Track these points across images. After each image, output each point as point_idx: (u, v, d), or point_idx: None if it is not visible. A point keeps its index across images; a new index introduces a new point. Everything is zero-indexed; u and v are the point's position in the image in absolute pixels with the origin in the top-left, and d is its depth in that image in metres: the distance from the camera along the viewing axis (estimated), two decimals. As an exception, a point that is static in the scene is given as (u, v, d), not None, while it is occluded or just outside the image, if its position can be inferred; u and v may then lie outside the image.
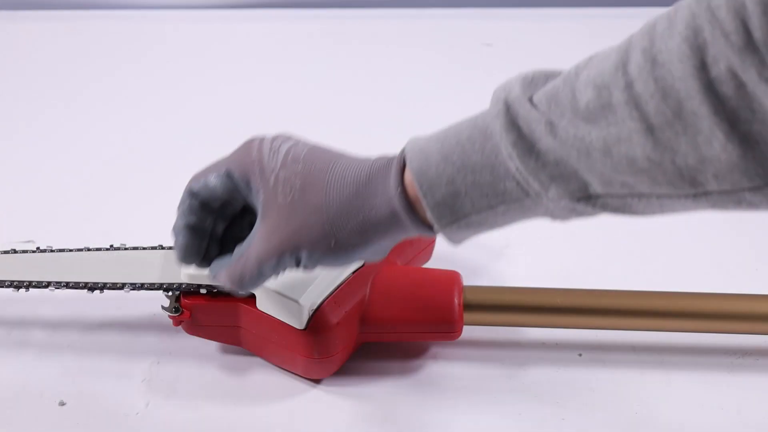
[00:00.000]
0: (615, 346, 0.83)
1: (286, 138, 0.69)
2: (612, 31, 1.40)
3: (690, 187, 0.53)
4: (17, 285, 0.79)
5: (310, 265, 0.66)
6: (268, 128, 1.17)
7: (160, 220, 0.97)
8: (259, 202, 0.67)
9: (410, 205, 0.62)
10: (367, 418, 0.76)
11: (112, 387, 0.79)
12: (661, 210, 0.57)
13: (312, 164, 0.65)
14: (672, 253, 0.95)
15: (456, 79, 1.31)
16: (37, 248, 0.83)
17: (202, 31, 1.46)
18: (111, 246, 0.83)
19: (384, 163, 0.64)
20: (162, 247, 0.82)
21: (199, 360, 0.81)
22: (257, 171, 0.67)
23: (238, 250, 0.68)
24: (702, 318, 0.79)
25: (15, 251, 0.83)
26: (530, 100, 0.58)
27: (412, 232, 0.64)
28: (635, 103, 0.52)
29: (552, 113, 0.56)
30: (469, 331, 0.80)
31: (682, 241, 0.97)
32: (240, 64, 1.37)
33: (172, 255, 0.81)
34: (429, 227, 0.63)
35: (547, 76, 0.59)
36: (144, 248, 0.82)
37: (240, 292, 0.74)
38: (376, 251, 0.66)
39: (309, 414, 0.77)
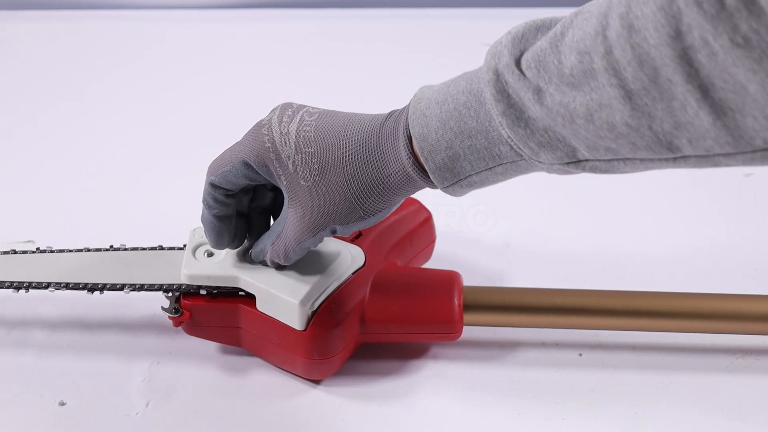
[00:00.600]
0: (615, 347, 0.83)
1: (290, 115, 0.71)
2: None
3: (668, 152, 0.55)
4: (17, 286, 0.79)
5: (346, 232, 0.71)
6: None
7: (160, 221, 0.97)
8: (283, 185, 0.71)
9: (421, 167, 0.67)
10: (368, 419, 0.76)
11: (112, 387, 0.79)
12: (647, 170, 0.59)
13: (324, 141, 0.69)
14: (672, 253, 0.95)
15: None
16: (37, 249, 0.83)
17: (202, 32, 1.46)
18: (111, 246, 0.83)
19: (391, 128, 0.68)
20: (162, 248, 0.82)
21: (199, 360, 0.81)
22: (273, 158, 0.70)
23: (275, 229, 0.74)
24: (702, 318, 0.79)
25: (15, 252, 0.83)
26: (518, 64, 0.59)
27: (426, 187, 0.69)
28: (614, 70, 0.53)
29: (540, 79, 0.58)
30: (468, 332, 0.80)
31: (681, 242, 0.97)
32: (240, 64, 1.37)
33: (174, 255, 0.81)
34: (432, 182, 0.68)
35: (538, 29, 0.61)
36: (144, 249, 0.82)
37: (281, 266, 0.76)
38: (396, 206, 0.71)
39: (309, 414, 0.77)
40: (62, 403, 0.77)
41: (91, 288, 0.79)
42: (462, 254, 0.93)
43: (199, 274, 0.77)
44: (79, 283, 0.79)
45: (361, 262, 0.79)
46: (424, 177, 0.67)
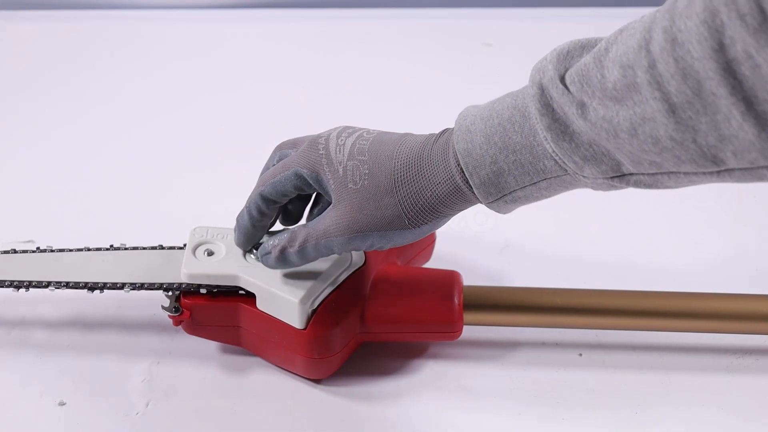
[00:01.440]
0: (615, 346, 0.83)
1: (350, 132, 0.73)
2: (611, 31, 1.41)
3: (712, 165, 0.55)
4: (17, 285, 0.79)
5: (382, 246, 0.71)
6: (269, 128, 1.17)
7: (160, 220, 0.97)
8: (331, 190, 0.71)
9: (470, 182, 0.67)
10: (367, 418, 0.76)
11: (112, 387, 0.79)
12: (691, 184, 0.59)
13: (377, 152, 0.70)
14: (672, 253, 0.95)
15: (456, 79, 1.31)
16: (37, 248, 0.83)
17: (203, 32, 1.46)
18: (111, 246, 0.83)
19: (443, 142, 0.69)
20: (162, 247, 0.82)
21: (199, 360, 0.81)
22: (325, 164, 0.71)
23: (298, 224, 0.75)
24: (701, 318, 0.79)
25: (15, 251, 0.83)
26: (563, 80, 0.60)
27: (475, 203, 0.69)
28: (658, 84, 0.54)
29: (583, 93, 0.58)
30: (468, 331, 0.80)
31: (681, 241, 0.97)
32: (240, 64, 1.37)
33: (174, 254, 0.81)
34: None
35: (583, 47, 0.61)
36: (144, 248, 0.82)
37: (288, 262, 0.74)
38: (442, 222, 0.71)
39: (309, 414, 0.77)
40: (62, 403, 0.77)
41: (91, 287, 0.79)
42: (462, 254, 0.93)
43: (199, 273, 0.77)
44: (79, 282, 0.79)
45: (362, 262, 0.79)
46: (472, 189, 0.67)
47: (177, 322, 0.78)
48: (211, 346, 0.82)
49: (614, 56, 0.57)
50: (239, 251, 0.78)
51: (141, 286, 0.78)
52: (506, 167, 0.64)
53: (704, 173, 0.57)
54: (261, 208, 0.75)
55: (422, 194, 0.68)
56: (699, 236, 0.97)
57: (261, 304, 0.76)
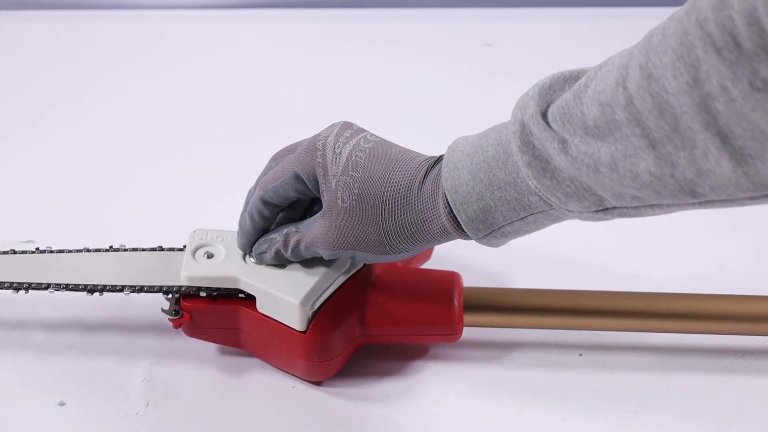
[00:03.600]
0: (615, 347, 0.83)
1: (348, 137, 0.73)
2: (614, 31, 1.41)
3: (692, 198, 0.56)
4: (16, 287, 0.79)
5: (364, 261, 0.73)
6: (269, 128, 1.17)
7: (159, 221, 0.97)
8: (324, 198, 0.72)
9: (457, 220, 0.68)
10: (368, 420, 0.76)
11: (112, 387, 0.79)
12: (674, 212, 0.60)
13: (370, 170, 0.70)
14: (672, 254, 0.95)
15: (456, 79, 1.31)
16: (37, 249, 0.83)
17: (204, 32, 1.46)
18: (111, 247, 0.83)
19: (434, 177, 0.69)
20: (162, 249, 0.82)
21: (199, 361, 0.81)
22: (321, 173, 0.72)
23: (296, 224, 0.75)
24: (702, 319, 0.79)
25: (14, 252, 0.83)
26: (545, 116, 0.60)
27: (459, 238, 0.70)
28: (636, 120, 0.54)
29: (565, 131, 0.59)
30: (468, 332, 0.80)
31: (681, 242, 0.97)
32: (241, 64, 1.37)
33: (174, 256, 0.81)
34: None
35: (566, 80, 0.62)
36: (144, 250, 0.82)
37: (282, 261, 0.76)
38: (423, 251, 0.73)
39: (309, 415, 0.77)
40: (62, 404, 0.77)
41: (91, 289, 0.79)
42: (461, 255, 0.93)
43: (199, 276, 0.76)
44: (78, 284, 0.79)
45: (362, 263, 0.79)
46: (459, 231, 0.68)
47: (177, 325, 0.78)
48: (211, 346, 0.82)
49: (593, 93, 0.57)
50: (239, 254, 0.78)
51: (141, 289, 0.78)
52: (492, 204, 0.65)
53: (686, 204, 0.57)
54: (263, 212, 0.75)
55: (408, 228, 0.69)
56: (699, 237, 0.97)
57: (261, 307, 0.76)
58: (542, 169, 0.61)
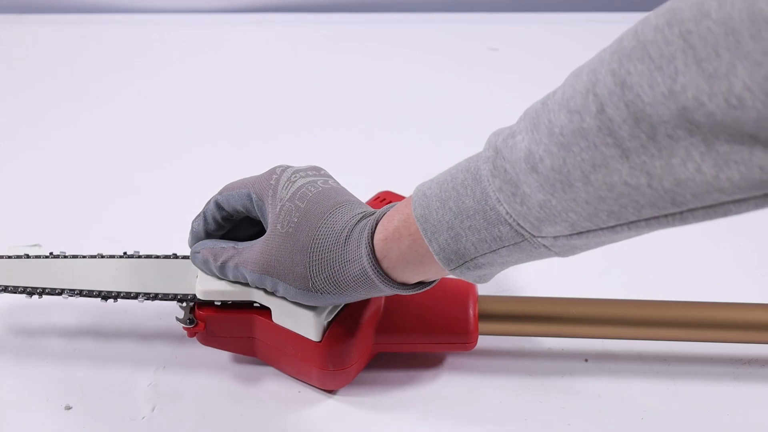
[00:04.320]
0: (621, 353, 0.83)
1: (309, 174, 0.74)
2: (617, 36, 1.41)
3: (673, 207, 0.53)
4: (30, 292, 0.79)
5: (286, 295, 0.72)
6: (271, 131, 1.17)
7: (171, 227, 0.97)
8: (266, 221, 0.73)
9: (380, 268, 0.67)
10: (382, 429, 0.76)
11: (119, 391, 0.79)
12: (652, 231, 0.57)
13: (314, 206, 0.70)
14: (677, 259, 0.95)
15: (462, 83, 1.31)
16: (50, 254, 0.83)
17: (206, 35, 1.46)
18: (124, 253, 0.83)
19: (364, 223, 0.68)
20: (176, 256, 0.82)
21: (205, 365, 0.82)
22: (270, 196, 0.72)
23: (238, 243, 0.75)
24: (708, 327, 0.79)
25: (28, 256, 0.83)
26: (515, 135, 0.58)
27: (385, 291, 0.68)
28: (608, 129, 0.52)
29: (532, 141, 0.56)
30: (478, 340, 0.80)
31: (687, 249, 0.96)
32: (247, 68, 1.38)
33: (188, 264, 0.81)
34: (400, 286, 0.68)
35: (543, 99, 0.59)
36: (158, 256, 0.82)
37: (202, 269, 0.77)
38: (351, 300, 0.72)
39: (318, 423, 0.77)
40: (68, 407, 0.77)
41: (105, 296, 0.79)
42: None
43: (213, 290, 0.76)
44: (93, 291, 0.79)
45: None
46: (378, 272, 0.67)
47: (192, 334, 0.78)
48: (218, 352, 0.82)
49: (561, 99, 0.55)
50: None
51: (155, 297, 0.78)
52: (462, 233, 0.62)
53: (665, 216, 0.54)
54: (215, 215, 0.76)
55: (331, 267, 0.68)
56: (704, 244, 0.97)
57: (276, 318, 0.76)
58: (512, 194, 0.58)
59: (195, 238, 0.78)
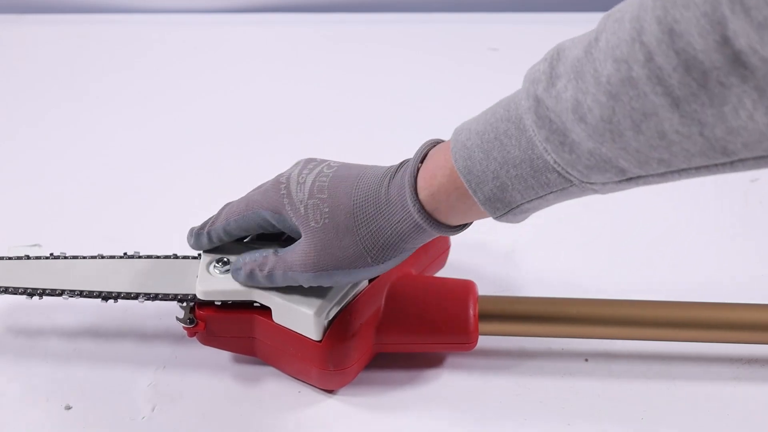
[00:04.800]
0: (621, 353, 0.83)
1: (311, 168, 0.74)
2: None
3: (723, 156, 0.53)
4: (30, 292, 0.79)
5: (348, 280, 0.72)
6: (271, 131, 1.17)
7: (171, 227, 0.97)
8: (296, 227, 0.72)
9: (430, 215, 0.67)
10: (382, 429, 0.76)
11: (119, 391, 0.79)
12: (701, 177, 0.56)
13: (336, 189, 0.71)
14: (678, 260, 0.95)
15: (462, 83, 1.31)
16: (51, 254, 0.83)
17: (206, 35, 1.46)
18: (125, 254, 0.83)
19: (399, 178, 0.68)
20: (176, 257, 0.82)
21: (205, 365, 0.82)
22: (287, 204, 0.72)
23: (278, 249, 0.74)
24: (708, 327, 0.79)
25: (28, 257, 0.83)
26: (556, 83, 0.57)
27: (436, 235, 0.69)
28: (658, 78, 0.51)
29: (578, 90, 0.55)
30: (478, 340, 0.80)
31: (689, 250, 0.96)
32: (247, 68, 1.37)
33: (188, 264, 0.81)
34: (450, 229, 0.68)
35: (574, 41, 0.58)
36: (158, 257, 0.82)
37: (255, 282, 0.75)
38: (407, 255, 0.71)
39: (317, 423, 0.77)
40: (68, 407, 0.77)
41: (105, 297, 0.79)
42: (475, 262, 0.93)
43: (213, 290, 0.76)
44: (93, 291, 0.79)
45: None
46: (433, 224, 0.67)
47: (192, 334, 0.78)
48: (218, 352, 0.81)
49: (605, 48, 0.54)
50: None
51: (156, 297, 0.78)
52: (509, 182, 0.62)
53: (716, 165, 0.54)
54: (222, 239, 0.77)
55: (382, 233, 0.69)
56: (705, 244, 0.97)
57: (277, 318, 0.76)
58: (560, 143, 0.58)
59: (199, 247, 0.79)
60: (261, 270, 0.74)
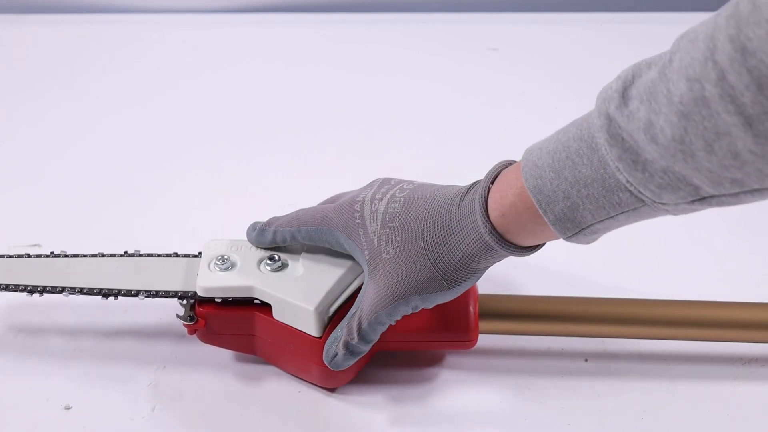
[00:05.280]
0: (620, 353, 0.83)
1: (383, 193, 0.73)
2: (620, 36, 1.41)
3: None
4: (31, 290, 0.79)
5: (428, 304, 0.71)
6: (271, 131, 1.17)
7: (171, 227, 0.97)
8: (365, 259, 0.72)
9: (500, 236, 0.66)
10: (382, 427, 0.76)
11: (118, 391, 0.79)
12: None
13: (407, 215, 0.70)
14: (678, 259, 0.95)
15: (462, 83, 1.31)
16: (51, 252, 0.83)
17: (206, 35, 1.46)
18: (125, 252, 0.83)
19: (470, 198, 0.68)
20: (177, 255, 0.82)
21: (205, 365, 0.82)
22: (362, 234, 0.72)
23: (351, 312, 0.74)
24: (708, 327, 0.79)
25: (29, 255, 0.83)
26: (628, 103, 0.57)
27: (507, 256, 0.68)
28: (730, 96, 0.51)
29: (651, 111, 0.55)
30: (478, 339, 0.80)
31: (690, 249, 0.96)
32: (247, 68, 1.37)
33: (189, 262, 0.81)
34: (520, 249, 0.67)
35: (649, 65, 0.58)
36: (159, 255, 0.82)
37: (356, 353, 0.74)
38: (480, 276, 0.71)
39: (317, 422, 0.77)
40: (68, 407, 0.77)
41: (106, 294, 0.79)
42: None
43: (214, 287, 0.76)
44: (93, 289, 0.79)
45: None
46: (503, 245, 0.66)
47: (192, 331, 0.78)
48: (218, 351, 0.82)
49: (678, 68, 0.54)
50: (254, 263, 0.78)
51: (156, 294, 0.78)
52: (580, 202, 0.62)
53: None
54: (287, 241, 0.78)
55: (453, 254, 0.68)
56: (705, 244, 0.97)
57: (277, 314, 0.76)
58: (633, 162, 0.58)
59: (263, 246, 0.79)
60: (352, 338, 0.72)
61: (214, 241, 0.80)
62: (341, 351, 0.73)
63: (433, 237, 0.69)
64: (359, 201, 0.74)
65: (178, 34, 1.45)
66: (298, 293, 0.75)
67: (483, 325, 0.79)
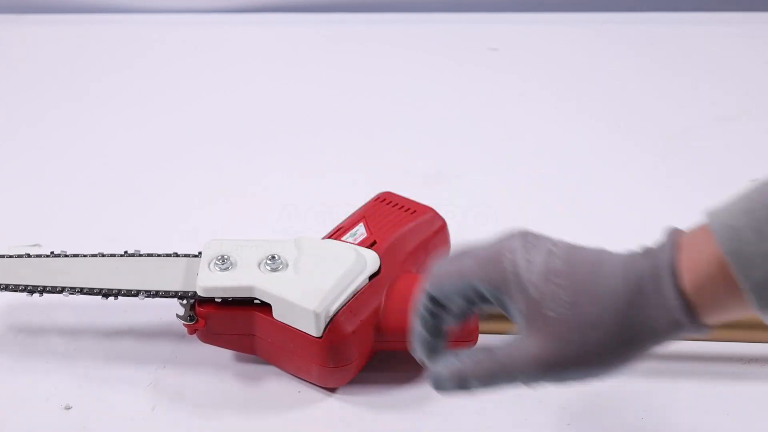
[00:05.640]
0: (621, 352, 0.83)
1: (534, 244, 0.63)
2: (619, 36, 1.41)
3: None
4: (30, 290, 0.79)
5: (575, 380, 0.62)
6: (271, 131, 1.17)
7: (171, 227, 0.97)
8: (520, 313, 0.62)
9: (693, 312, 0.59)
10: (382, 427, 0.76)
11: (118, 391, 0.79)
12: None
13: (576, 276, 0.61)
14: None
15: (462, 83, 1.31)
16: (51, 252, 0.83)
17: (206, 35, 1.46)
18: (125, 252, 0.83)
19: (650, 266, 0.60)
20: (177, 255, 0.82)
21: (205, 364, 0.81)
22: (513, 283, 0.62)
23: (485, 350, 0.65)
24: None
25: (29, 255, 0.83)
26: None
27: (685, 337, 0.61)
28: None
29: None
30: (478, 339, 0.80)
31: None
32: (247, 68, 1.37)
33: (189, 262, 0.81)
34: (704, 329, 0.60)
35: None
36: (159, 255, 0.82)
37: (454, 392, 0.66)
38: (644, 358, 0.62)
39: (317, 422, 0.77)
40: (68, 407, 0.77)
41: (106, 293, 0.79)
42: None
43: (214, 286, 0.76)
44: (93, 289, 0.79)
45: (376, 267, 0.79)
46: (694, 322, 0.59)
47: (192, 331, 0.78)
48: (221, 352, 0.81)
49: None
50: (254, 262, 0.78)
51: (156, 294, 0.78)
52: None
53: None
54: (429, 307, 0.65)
55: (632, 329, 0.60)
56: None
57: (277, 314, 0.76)
58: None
59: (422, 344, 0.66)
60: (474, 374, 0.64)
61: (214, 241, 0.80)
62: (455, 380, 0.64)
63: (611, 308, 0.60)
64: (507, 249, 0.64)
65: (178, 34, 1.45)
66: (298, 293, 0.75)
67: (483, 325, 0.79)
